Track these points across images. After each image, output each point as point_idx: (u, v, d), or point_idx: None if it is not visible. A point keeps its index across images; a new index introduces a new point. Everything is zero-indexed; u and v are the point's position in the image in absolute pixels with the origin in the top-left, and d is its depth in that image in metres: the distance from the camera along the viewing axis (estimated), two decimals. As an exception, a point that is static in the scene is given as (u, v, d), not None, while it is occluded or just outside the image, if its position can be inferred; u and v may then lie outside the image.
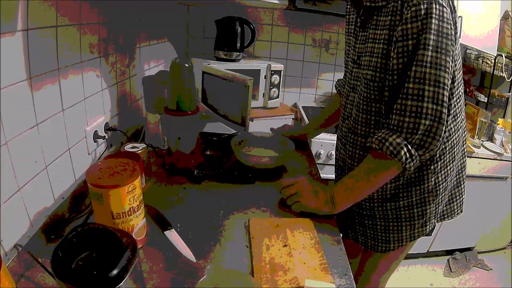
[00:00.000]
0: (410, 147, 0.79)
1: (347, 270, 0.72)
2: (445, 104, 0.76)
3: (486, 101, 2.19)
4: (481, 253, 2.36)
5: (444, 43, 0.74)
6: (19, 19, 0.65)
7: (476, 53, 2.18)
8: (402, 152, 0.78)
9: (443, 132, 0.78)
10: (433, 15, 0.73)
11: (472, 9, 1.91)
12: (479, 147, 2.01)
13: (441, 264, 2.28)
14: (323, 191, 0.91)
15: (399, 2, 0.77)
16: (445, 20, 0.74)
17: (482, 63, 2.12)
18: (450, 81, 0.78)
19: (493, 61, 2.03)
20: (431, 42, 0.74)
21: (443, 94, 0.76)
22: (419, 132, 0.77)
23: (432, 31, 0.73)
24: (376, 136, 0.83)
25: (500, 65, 1.99)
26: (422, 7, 0.73)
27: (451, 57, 0.77)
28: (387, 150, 0.80)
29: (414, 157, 0.79)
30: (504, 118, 2.16)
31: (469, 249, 2.35)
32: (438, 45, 0.74)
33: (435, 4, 0.73)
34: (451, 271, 2.22)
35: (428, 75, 0.75)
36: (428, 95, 0.75)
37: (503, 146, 2.05)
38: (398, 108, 0.79)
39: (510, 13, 2.03)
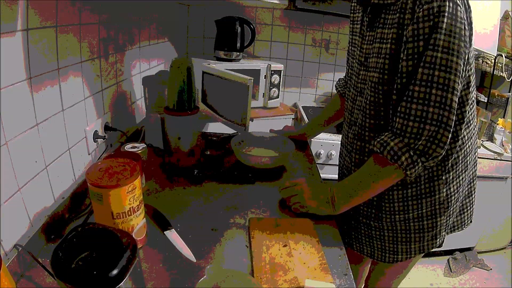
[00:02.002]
0: (412, 153, 0.75)
1: (347, 270, 0.72)
2: (452, 110, 0.72)
3: (486, 101, 2.19)
4: (481, 253, 2.36)
5: (456, 44, 0.70)
6: (19, 19, 0.65)
7: (476, 53, 2.17)
8: (403, 158, 0.75)
9: (448, 139, 0.74)
10: (446, 14, 0.69)
11: (472, 9, 1.91)
12: (479, 147, 2.01)
13: (441, 264, 2.28)
14: (323, 192, 0.90)
15: None
16: (458, 19, 0.70)
17: (482, 63, 2.12)
18: (460, 85, 0.74)
19: (493, 61, 2.03)
20: (441, 43, 0.69)
21: (451, 99, 0.71)
22: (423, 138, 0.74)
23: (443, 31, 0.69)
24: (378, 139, 0.80)
25: (500, 65, 1.99)
26: (434, 4, 0.69)
27: (463, 60, 0.72)
28: (387, 155, 0.77)
29: (416, 164, 0.76)
30: (504, 118, 2.16)
31: (469, 249, 2.35)
32: (450, 46, 0.69)
33: (449, 2, 0.69)
34: (451, 271, 2.22)
35: (436, 77, 0.71)
36: (434, 99, 0.71)
37: (503, 146, 2.05)
38: (403, 112, 0.75)
39: (510, 13, 2.03)
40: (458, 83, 0.72)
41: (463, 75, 0.76)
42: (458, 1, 0.70)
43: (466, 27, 0.73)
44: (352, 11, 0.99)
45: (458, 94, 0.74)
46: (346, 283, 0.69)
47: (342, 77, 1.22)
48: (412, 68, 0.74)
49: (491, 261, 2.31)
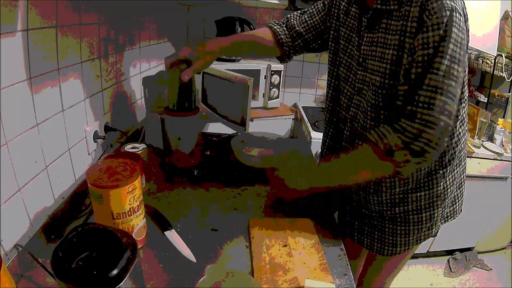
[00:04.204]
0: (407, 152, 0.77)
1: (347, 270, 0.72)
2: (453, 116, 0.75)
3: (486, 101, 2.19)
4: (481, 253, 2.36)
5: (459, 53, 0.74)
6: (19, 20, 0.65)
7: (476, 53, 2.17)
8: (397, 154, 0.77)
9: (444, 144, 0.77)
10: (454, 24, 0.72)
11: (472, 9, 1.91)
12: (479, 147, 2.01)
13: (441, 264, 2.28)
14: (304, 168, 0.94)
15: (415, 7, 0.75)
16: (461, 29, 0.74)
17: (482, 63, 2.12)
18: (460, 92, 0.77)
19: (493, 61, 2.02)
20: (449, 51, 0.73)
21: (452, 106, 0.75)
22: (421, 140, 0.75)
23: (452, 40, 0.73)
24: (376, 129, 0.81)
25: (500, 65, 1.99)
26: (444, 14, 0.72)
27: (463, 68, 0.76)
28: (384, 147, 0.78)
29: (408, 162, 0.77)
30: (504, 118, 2.16)
31: (469, 249, 2.35)
32: (455, 55, 0.73)
33: (456, 13, 0.72)
34: (451, 271, 2.21)
35: (441, 84, 0.74)
36: (438, 105, 0.74)
37: (503, 146, 2.05)
38: (407, 114, 0.77)
39: (510, 13, 2.03)
40: (458, 91, 0.76)
41: (461, 82, 0.79)
42: (461, 12, 0.74)
43: (465, 37, 0.77)
44: (337, 4, 0.97)
45: (457, 100, 0.77)
46: (346, 283, 0.69)
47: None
48: (420, 75, 0.77)
49: (491, 261, 2.31)
